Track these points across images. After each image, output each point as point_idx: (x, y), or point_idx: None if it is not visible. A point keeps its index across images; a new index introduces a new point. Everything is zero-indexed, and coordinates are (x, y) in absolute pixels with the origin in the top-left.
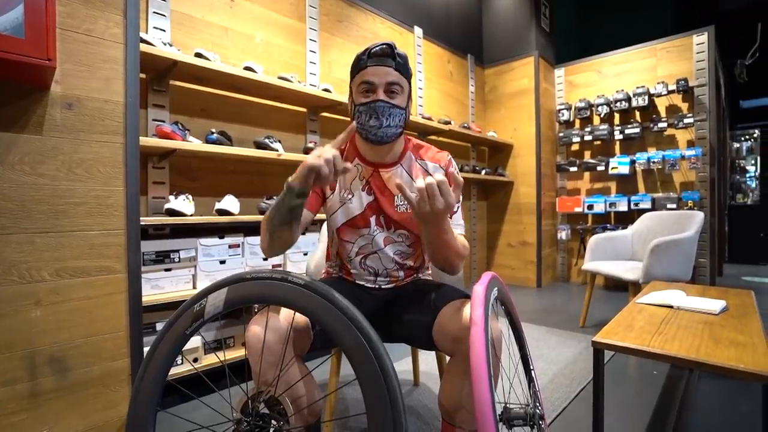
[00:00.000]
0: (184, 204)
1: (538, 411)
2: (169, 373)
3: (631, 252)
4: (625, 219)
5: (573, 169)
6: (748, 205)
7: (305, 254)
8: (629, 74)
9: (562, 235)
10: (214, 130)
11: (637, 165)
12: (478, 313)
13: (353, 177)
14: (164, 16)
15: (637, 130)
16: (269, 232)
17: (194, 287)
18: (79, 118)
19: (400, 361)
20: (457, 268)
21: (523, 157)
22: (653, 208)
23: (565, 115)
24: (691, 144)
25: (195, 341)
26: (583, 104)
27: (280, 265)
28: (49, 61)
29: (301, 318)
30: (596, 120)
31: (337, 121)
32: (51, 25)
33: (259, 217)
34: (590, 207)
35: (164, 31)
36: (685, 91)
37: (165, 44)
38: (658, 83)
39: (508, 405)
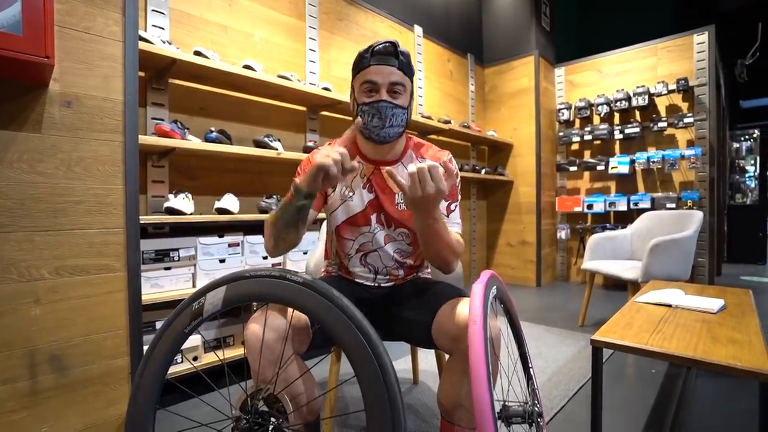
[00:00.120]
0: (183, 203)
1: (536, 409)
2: (169, 372)
3: (631, 251)
4: (625, 218)
5: (573, 168)
6: (747, 204)
7: (305, 253)
8: (629, 74)
9: (562, 234)
10: (213, 129)
11: (636, 164)
12: (477, 312)
13: (354, 175)
14: (163, 14)
15: (637, 129)
16: (274, 233)
17: (194, 286)
18: (77, 116)
19: (400, 359)
20: (451, 264)
21: (522, 156)
22: (653, 208)
23: (565, 115)
24: (690, 144)
25: (195, 340)
26: (583, 104)
27: (279, 264)
28: (48, 59)
29: (300, 316)
30: (596, 119)
31: (336, 119)
32: (49, 22)
33: (259, 216)
34: (590, 206)
35: (163, 29)
36: (685, 90)
37: (164, 42)
38: (658, 83)
39: (506, 403)
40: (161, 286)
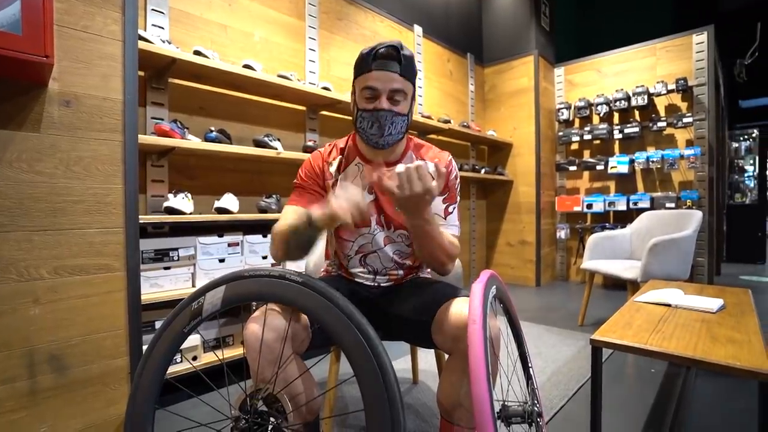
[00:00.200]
0: (183, 202)
1: (536, 408)
2: (168, 371)
3: (630, 251)
4: (624, 218)
5: (572, 168)
6: (746, 204)
7: None
8: (629, 73)
9: (561, 234)
10: (213, 129)
11: (636, 164)
12: (477, 311)
13: (354, 176)
14: (163, 13)
15: (637, 129)
16: (283, 248)
17: (193, 285)
18: (77, 116)
19: (399, 359)
20: (445, 266)
21: (522, 156)
22: (652, 208)
23: (565, 114)
24: (690, 143)
25: (194, 339)
26: (582, 103)
27: (279, 264)
28: (47, 58)
29: (299, 316)
30: (596, 119)
31: (336, 119)
32: (48, 21)
33: (259, 216)
34: (589, 206)
35: (163, 28)
36: (685, 90)
37: (163, 42)
38: (657, 83)
39: (506, 403)
40: (161, 285)
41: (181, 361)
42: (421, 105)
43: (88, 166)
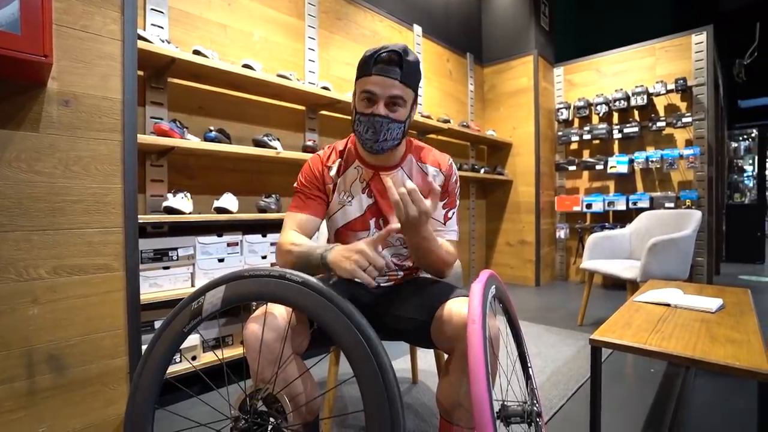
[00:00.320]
0: (182, 202)
1: (535, 408)
2: (168, 371)
3: (629, 251)
4: (624, 218)
5: (572, 168)
6: (745, 204)
7: None
8: (628, 73)
9: (561, 233)
10: (212, 128)
11: (635, 164)
12: (476, 311)
13: (354, 179)
14: (162, 13)
15: (636, 129)
16: (289, 266)
17: (193, 285)
18: (76, 115)
19: (399, 359)
20: (443, 273)
21: (522, 155)
22: (651, 207)
23: (564, 114)
24: (689, 143)
25: (193, 339)
26: (582, 103)
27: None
28: (46, 58)
29: (299, 316)
30: (595, 119)
31: (336, 119)
32: (47, 21)
33: (258, 216)
34: (589, 206)
35: (162, 28)
36: (684, 90)
37: (163, 41)
38: (656, 82)
39: (505, 402)
40: (160, 285)
41: (181, 361)
42: (420, 105)
43: (87, 166)
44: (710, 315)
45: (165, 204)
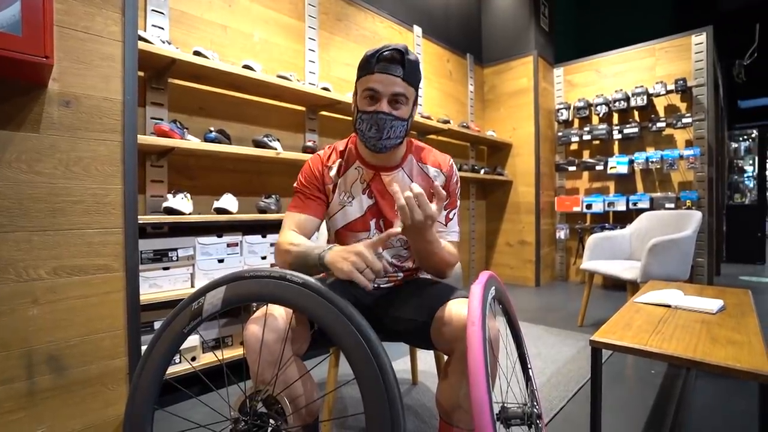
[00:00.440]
0: (182, 202)
1: (535, 410)
2: (167, 372)
3: (630, 251)
4: (624, 218)
5: (572, 168)
6: (745, 204)
7: None
8: (628, 74)
9: (561, 234)
10: (212, 129)
11: (635, 165)
12: (476, 313)
13: (354, 180)
14: (163, 14)
15: (636, 129)
16: (288, 268)
17: (192, 286)
18: (76, 116)
19: (399, 360)
20: (444, 274)
21: (522, 156)
22: (651, 208)
23: (564, 115)
24: (689, 144)
25: (193, 340)
26: (581, 104)
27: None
28: (47, 59)
29: (299, 317)
30: (595, 119)
31: (336, 119)
32: (48, 22)
33: (258, 216)
34: (589, 206)
35: (163, 29)
36: (684, 91)
37: (163, 42)
38: (656, 83)
39: (505, 404)
40: (160, 286)
41: (181, 362)
42: (420, 105)
43: (87, 167)
44: (711, 316)
45: (165, 204)
